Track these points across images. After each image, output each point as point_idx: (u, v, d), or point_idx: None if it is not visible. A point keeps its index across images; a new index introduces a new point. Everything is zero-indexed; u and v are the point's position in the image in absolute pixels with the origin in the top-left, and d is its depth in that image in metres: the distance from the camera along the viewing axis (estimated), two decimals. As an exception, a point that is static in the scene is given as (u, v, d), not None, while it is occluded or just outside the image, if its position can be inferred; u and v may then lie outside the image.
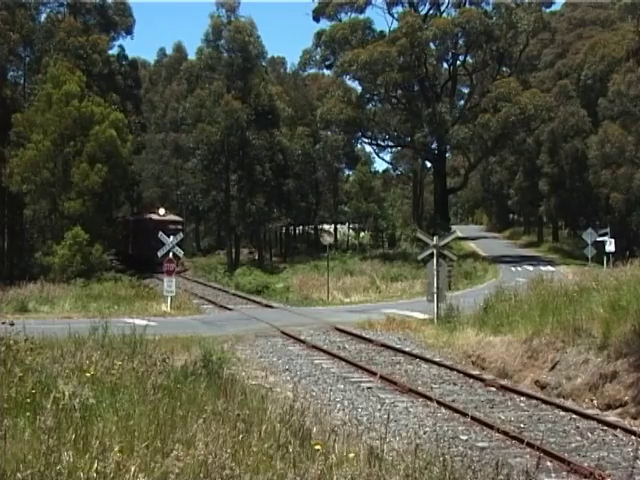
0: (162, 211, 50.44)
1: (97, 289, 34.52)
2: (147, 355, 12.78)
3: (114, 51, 59.40)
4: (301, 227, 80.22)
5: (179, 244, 57.13)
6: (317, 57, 63.87)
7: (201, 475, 6.51)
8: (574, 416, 12.44)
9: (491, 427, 11.39)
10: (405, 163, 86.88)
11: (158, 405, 8.51)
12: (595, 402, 13.64)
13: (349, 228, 77.20)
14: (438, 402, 12.94)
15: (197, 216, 76.50)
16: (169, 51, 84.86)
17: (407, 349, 19.56)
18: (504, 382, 15.44)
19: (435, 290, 23.80)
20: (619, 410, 12.99)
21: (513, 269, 50.16)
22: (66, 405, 8.33)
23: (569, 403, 13.69)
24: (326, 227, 78.89)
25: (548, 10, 64.68)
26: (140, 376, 10.41)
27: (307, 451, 7.48)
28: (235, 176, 58.54)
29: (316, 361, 17.66)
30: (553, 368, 15.32)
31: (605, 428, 11.67)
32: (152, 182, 74.33)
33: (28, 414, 7.80)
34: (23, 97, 53.37)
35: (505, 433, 11.04)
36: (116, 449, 6.65)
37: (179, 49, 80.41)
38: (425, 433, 11.18)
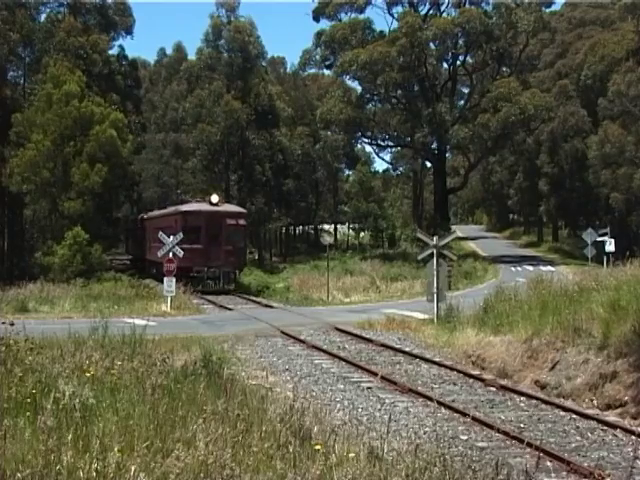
0: (215, 198, 37.73)
1: (97, 289, 34.48)
2: (147, 355, 12.79)
3: (114, 51, 59.50)
4: (301, 227, 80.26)
5: (244, 248, 41.90)
6: (317, 57, 63.98)
7: (201, 475, 6.51)
8: (574, 416, 12.44)
9: (491, 427, 11.39)
10: (405, 163, 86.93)
11: (158, 405, 8.51)
12: (595, 402, 13.64)
13: (349, 228, 77.23)
14: (438, 402, 12.94)
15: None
16: (169, 51, 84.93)
17: (407, 349, 19.55)
18: (504, 382, 15.43)
19: (435, 290, 23.80)
20: (619, 410, 12.99)
21: (513, 269, 50.18)
22: (66, 405, 8.34)
23: (569, 403, 13.69)
24: (326, 227, 78.93)
25: (548, 10, 64.83)
26: (140, 376, 10.41)
27: (307, 451, 7.48)
28: (235, 176, 58.61)
29: (316, 361, 17.65)
30: (553, 368, 15.32)
31: (605, 428, 11.67)
32: (152, 182, 74.32)
33: (28, 414, 7.80)
34: (23, 97, 53.35)
35: (505, 433, 11.04)
36: (116, 449, 6.65)
37: (179, 49, 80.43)
38: (425, 433, 11.18)
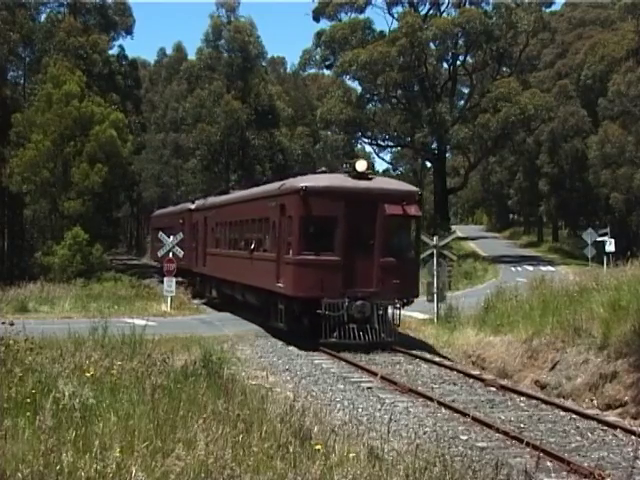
0: (362, 165, 20.28)
1: (97, 289, 34.48)
2: (147, 355, 12.79)
3: (114, 51, 59.60)
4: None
5: (415, 260, 21.15)
6: (317, 57, 63.90)
7: (202, 475, 6.52)
8: (574, 416, 12.43)
9: (491, 427, 11.39)
10: (405, 163, 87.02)
11: (158, 405, 8.51)
12: (595, 402, 13.65)
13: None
14: (438, 402, 12.93)
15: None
16: (169, 51, 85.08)
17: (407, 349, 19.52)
18: (504, 382, 15.43)
19: (435, 290, 23.81)
20: (619, 410, 13.01)
21: (513, 269, 50.18)
22: (66, 405, 8.35)
23: (569, 403, 13.69)
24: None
25: (548, 10, 64.81)
26: (140, 376, 10.41)
27: (307, 451, 7.49)
28: (235, 176, 58.61)
29: (316, 361, 17.63)
30: (553, 368, 15.34)
31: (605, 428, 11.66)
32: (152, 182, 74.35)
33: (28, 414, 7.81)
34: (23, 97, 53.43)
35: (505, 433, 11.03)
36: (116, 449, 6.66)
37: (179, 49, 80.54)
38: (425, 433, 11.17)
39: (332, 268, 18.97)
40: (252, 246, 22.78)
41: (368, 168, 20.50)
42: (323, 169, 23.87)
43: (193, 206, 34.91)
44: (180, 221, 36.34)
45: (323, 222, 19.35)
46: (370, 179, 20.31)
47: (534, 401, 13.70)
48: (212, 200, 31.96)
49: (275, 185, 22.52)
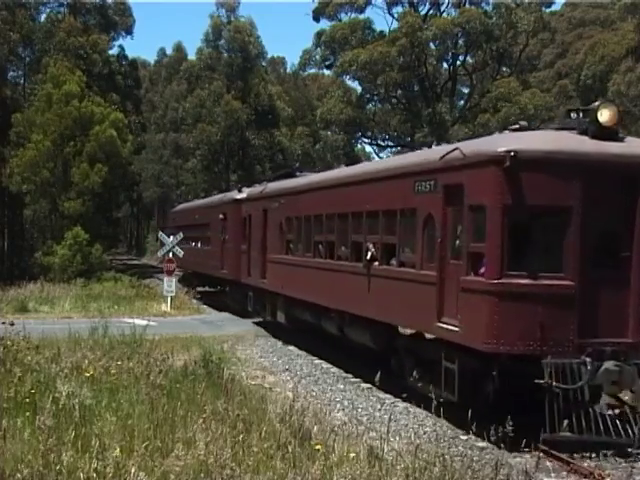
0: (608, 114, 10.94)
1: (97, 289, 34.48)
2: (147, 355, 12.79)
3: (114, 51, 59.56)
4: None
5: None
6: (317, 57, 63.85)
7: (201, 475, 6.52)
8: (574, 416, 12.38)
9: (491, 427, 11.33)
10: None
11: (157, 405, 8.51)
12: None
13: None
14: (438, 402, 12.89)
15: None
16: (169, 51, 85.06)
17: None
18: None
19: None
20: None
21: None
22: (65, 405, 8.35)
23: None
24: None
25: (548, 10, 64.66)
26: (139, 376, 10.41)
27: (307, 451, 7.48)
28: (235, 176, 58.63)
29: (316, 361, 17.64)
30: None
31: (605, 428, 11.61)
32: (152, 182, 74.34)
33: (28, 414, 7.81)
34: (23, 97, 53.42)
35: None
36: (116, 449, 6.66)
37: (179, 49, 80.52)
38: (425, 433, 11.17)
39: (561, 302, 10.58)
40: (368, 255, 14.60)
41: (617, 122, 11.44)
42: (522, 123, 13.60)
43: (241, 195, 26.48)
44: (220, 216, 28.79)
45: (546, 218, 10.76)
46: (622, 139, 11.47)
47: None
48: (276, 186, 22.42)
49: (428, 154, 13.58)
